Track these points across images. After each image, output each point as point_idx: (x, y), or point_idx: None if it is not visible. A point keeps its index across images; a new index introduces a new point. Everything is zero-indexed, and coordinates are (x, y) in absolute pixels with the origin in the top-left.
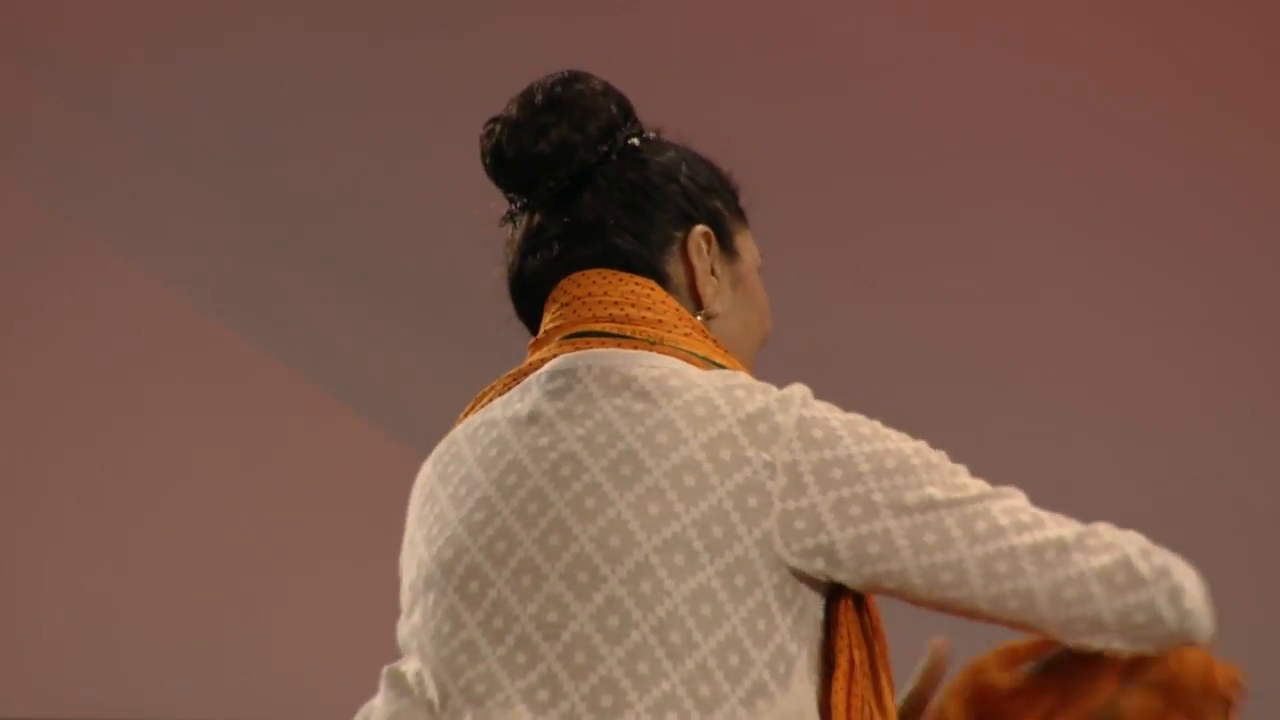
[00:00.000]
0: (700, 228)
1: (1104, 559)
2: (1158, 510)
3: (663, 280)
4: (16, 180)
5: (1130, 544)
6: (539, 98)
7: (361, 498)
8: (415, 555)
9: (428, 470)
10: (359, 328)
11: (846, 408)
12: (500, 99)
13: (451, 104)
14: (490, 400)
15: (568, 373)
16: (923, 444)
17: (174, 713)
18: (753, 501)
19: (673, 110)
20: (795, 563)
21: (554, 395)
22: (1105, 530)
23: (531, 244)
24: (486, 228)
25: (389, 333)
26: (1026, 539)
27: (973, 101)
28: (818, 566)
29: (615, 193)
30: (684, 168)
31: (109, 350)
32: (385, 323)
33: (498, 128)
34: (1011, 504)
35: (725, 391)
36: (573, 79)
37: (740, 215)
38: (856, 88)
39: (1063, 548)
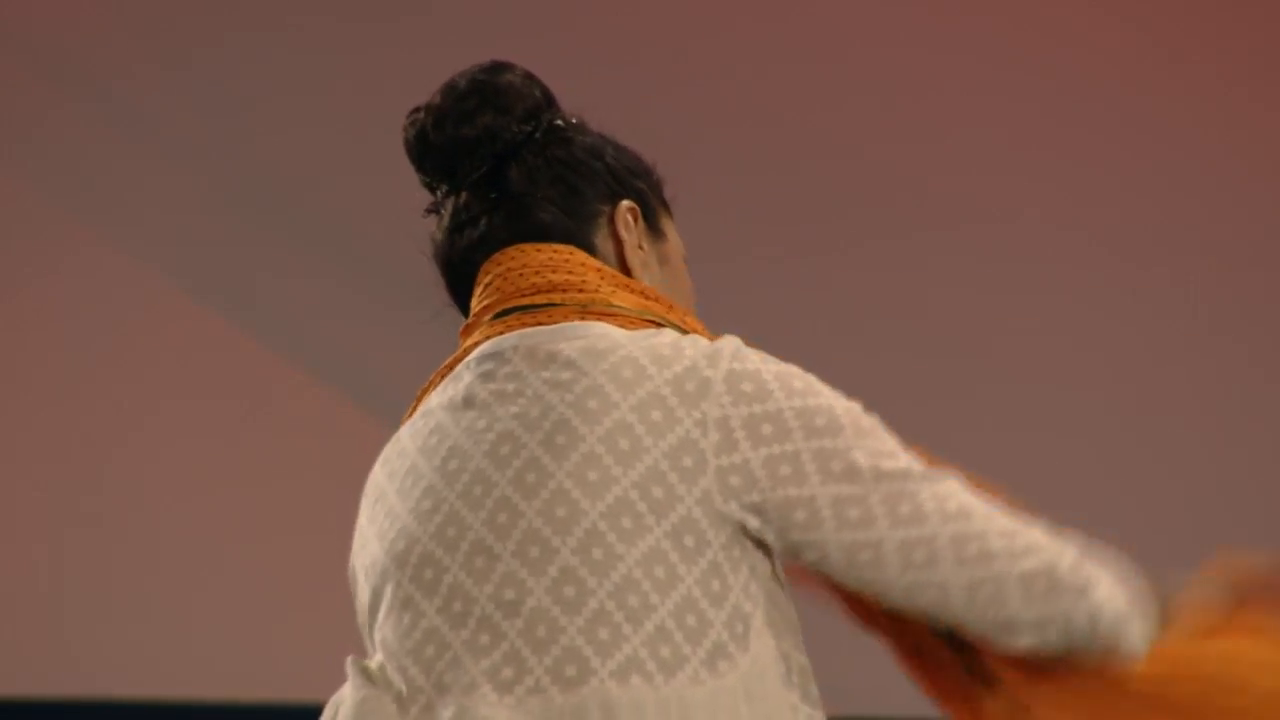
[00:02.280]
0: (626, 202)
1: (1028, 563)
2: (1133, 488)
3: (592, 251)
4: (2, 167)
5: (1062, 552)
6: (463, 85)
7: (340, 474)
8: (369, 554)
9: (376, 472)
10: (336, 308)
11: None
12: None
13: (424, 83)
14: (428, 395)
15: (496, 355)
16: (856, 405)
17: (163, 689)
18: (688, 461)
19: (642, 90)
20: (737, 519)
21: (485, 378)
22: (1039, 532)
23: (458, 224)
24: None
25: (366, 312)
26: (949, 529)
27: (955, 79)
28: (753, 525)
29: (541, 169)
30: (609, 149)
31: (88, 332)
32: (362, 301)
33: (421, 115)
34: (941, 489)
35: (650, 351)
36: (496, 68)
37: (665, 205)
38: (832, 65)
39: (986, 545)
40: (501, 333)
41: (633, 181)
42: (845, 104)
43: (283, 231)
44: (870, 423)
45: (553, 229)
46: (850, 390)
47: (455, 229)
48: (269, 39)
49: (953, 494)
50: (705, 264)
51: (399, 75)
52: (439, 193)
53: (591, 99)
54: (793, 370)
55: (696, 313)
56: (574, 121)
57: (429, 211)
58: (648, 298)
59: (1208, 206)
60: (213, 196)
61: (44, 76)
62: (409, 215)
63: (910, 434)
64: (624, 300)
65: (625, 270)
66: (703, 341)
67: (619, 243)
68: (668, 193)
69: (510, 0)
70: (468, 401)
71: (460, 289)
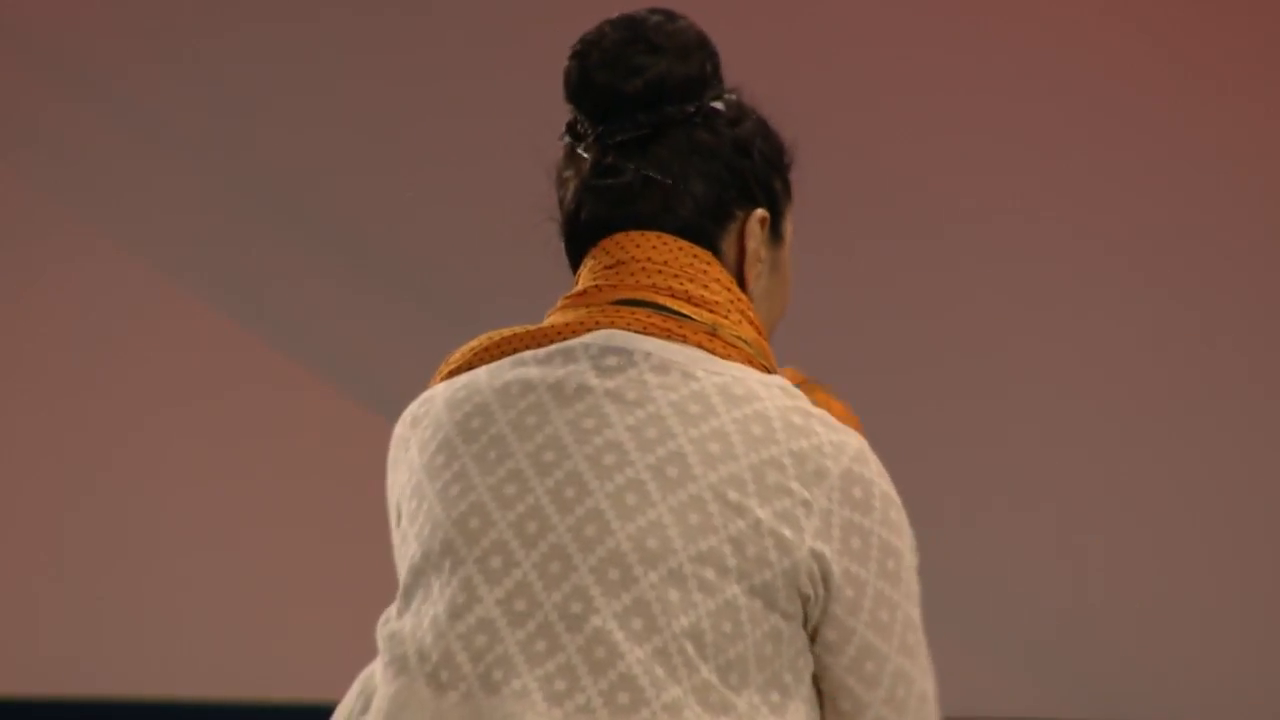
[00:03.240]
0: (760, 212)
1: None
2: (1136, 488)
3: (716, 254)
4: (5, 164)
5: None
6: (638, 30)
7: (346, 474)
8: (427, 509)
9: (440, 413)
10: (342, 307)
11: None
12: (478, 77)
13: (432, 82)
14: (514, 351)
15: (624, 353)
16: (914, 564)
17: (168, 690)
18: (788, 532)
19: None
20: (806, 602)
21: (605, 373)
22: None
23: (600, 184)
24: (471, 209)
25: (373, 312)
26: (928, 689)
27: (959, 80)
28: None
29: (692, 156)
30: (758, 142)
31: (93, 330)
32: (368, 301)
33: (592, 52)
34: (930, 689)
35: (783, 415)
36: (673, 20)
37: (790, 195)
38: (834, 64)
39: (929, 715)
40: (629, 325)
41: (772, 182)
42: (846, 104)
43: (290, 231)
44: (913, 589)
45: (690, 225)
46: (853, 390)
47: (598, 189)
48: (276, 38)
49: (931, 675)
50: None
51: (406, 74)
52: (586, 129)
53: None
54: (893, 499)
55: (785, 314)
56: (732, 100)
57: (571, 137)
58: (761, 334)
59: (1215, 207)
60: (220, 195)
61: (49, 75)
62: (417, 215)
63: (913, 434)
64: (746, 333)
65: (739, 277)
66: (831, 422)
67: (742, 251)
68: (795, 175)
69: (516, 1)
70: (579, 392)
71: (578, 245)
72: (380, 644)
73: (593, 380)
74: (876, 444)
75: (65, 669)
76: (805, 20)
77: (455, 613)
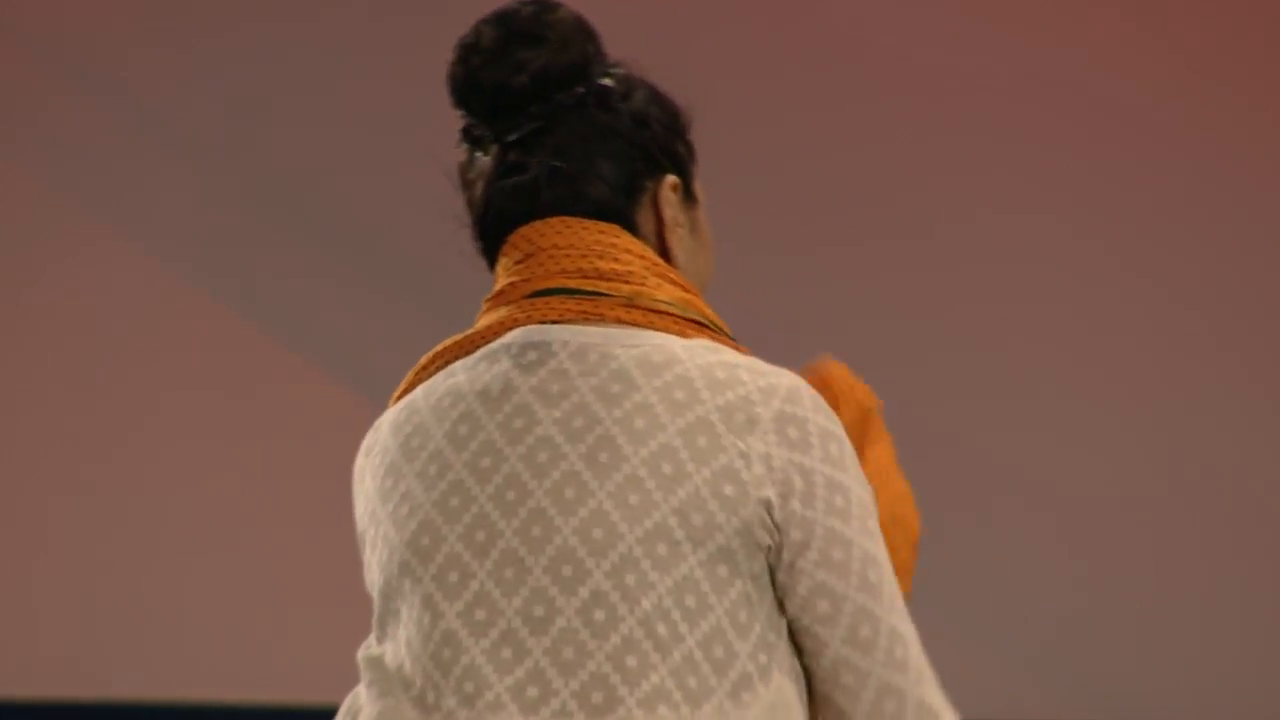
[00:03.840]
0: (671, 178)
1: (934, 702)
2: (1142, 490)
3: (634, 229)
4: (10, 159)
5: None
6: (514, 26)
7: (348, 470)
8: (383, 534)
9: (386, 438)
10: (347, 303)
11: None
12: None
13: (441, 81)
14: (447, 364)
15: (541, 345)
16: (870, 498)
17: (172, 692)
18: (730, 490)
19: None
20: (766, 552)
21: (527, 370)
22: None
23: (506, 182)
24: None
25: (376, 308)
26: (892, 622)
27: (961, 78)
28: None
29: (593, 138)
30: (654, 111)
31: (100, 326)
32: (372, 297)
33: (473, 55)
34: (903, 620)
35: (705, 372)
36: (546, 9)
37: (694, 155)
38: (837, 64)
39: (912, 659)
40: (545, 316)
41: (675, 146)
42: (850, 102)
43: (298, 228)
44: (874, 525)
45: (600, 205)
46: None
47: (502, 187)
48: (285, 36)
49: (907, 618)
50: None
51: (417, 73)
52: (480, 131)
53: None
54: (831, 432)
55: (714, 270)
56: (620, 74)
57: (469, 143)
58: (688, 291)
59: (1220, 208)
60: (227, 192)
61: (58, 72)
62: (425, 213)
63: (917, 432)
64: (668, 294)
65: (664, 249)
66: (760, 366)
67: (660, 221)
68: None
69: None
70: (505, 393)
71: (491, 244)
72: (362, 670)
73: (517, 379)
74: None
75: (66, 670)
76: (811, 21)
77: (424, 633)
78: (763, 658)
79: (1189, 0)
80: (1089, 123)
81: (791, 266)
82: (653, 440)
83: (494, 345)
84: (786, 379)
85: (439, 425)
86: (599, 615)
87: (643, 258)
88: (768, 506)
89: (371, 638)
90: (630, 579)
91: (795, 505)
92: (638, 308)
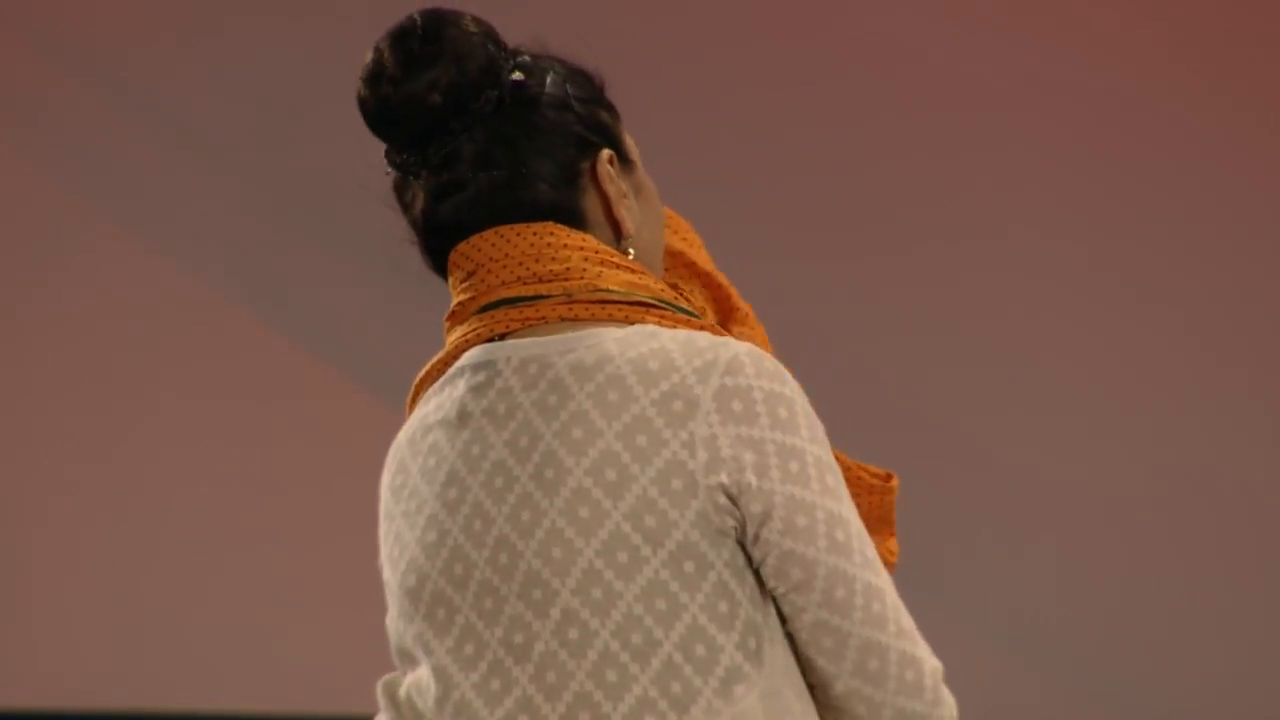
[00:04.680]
0: (605, 152)
1: (916, 652)
2: (1143, 498)
3: (579, 218)
4: (35, 164)
5: (937, 666)
6: (415, 47)
7: (373, 477)
8: (386, 577)
9: (384, 482)
10: (375, 312)
11: (840, 395)
12: None
13: None
14: (425, 392)
15: (488, 365)
16: (826, 456)
17: (183, 703)
18: (678, 484)
19: (671, 97)
20: (733, 534)
21: (477, 392)
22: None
23: (447, 202)
24: None
25: (404, 317)
26: (866, 578)
27: (973, 89)
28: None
29: (519, 138)
30: (570, 89)
31: (124, 333)
32: (401, 307)
33: (381, 83)
34: (877, 573)
35: (638, 367)
36: (442, 22)
37: (617, 115)
38: (854, 76)
39: (889, 612)
40: (493, 331)
41: (599, 117)
42: (865, 115)
43: (316, 231)
44: (834, 481)
45: (541, 205)
46: (867, 397)
47: (442, 200)
48: (316, 43)
49: (880, 570)
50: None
51: None
52: (405, 157)
53: (622, 106)
54: (782, 393)
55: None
56: (527, 63)
57: (400, 170)
58: (634, 272)
59: (1240, 222)
60: (248, 197)
61: (76, 72)
62: None
63: (926, 442)
64: (611, 281)
65: (615, 224)
66: (698, 343)
67: (605, 197)
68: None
69: (541, 7)
70: (461, 419)
71: (439, 260)
72: (379, 695)
73: (470, 404)
74: (889, 455)
75: (81, 676)
76: (833, 33)
77: (426, 671)
78: (752, 643)
79: (1209, 12)
80: (1109, 138)
81: (806, 277)
82: (592, 449)
83: (453, 369)
84: (725, 350)
85: (414, 460)
86: (573, 634)
87: (581, 249)
88: (722, 490)
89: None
90: (597, 592)
91: (750, 479)
92: (578, 302)
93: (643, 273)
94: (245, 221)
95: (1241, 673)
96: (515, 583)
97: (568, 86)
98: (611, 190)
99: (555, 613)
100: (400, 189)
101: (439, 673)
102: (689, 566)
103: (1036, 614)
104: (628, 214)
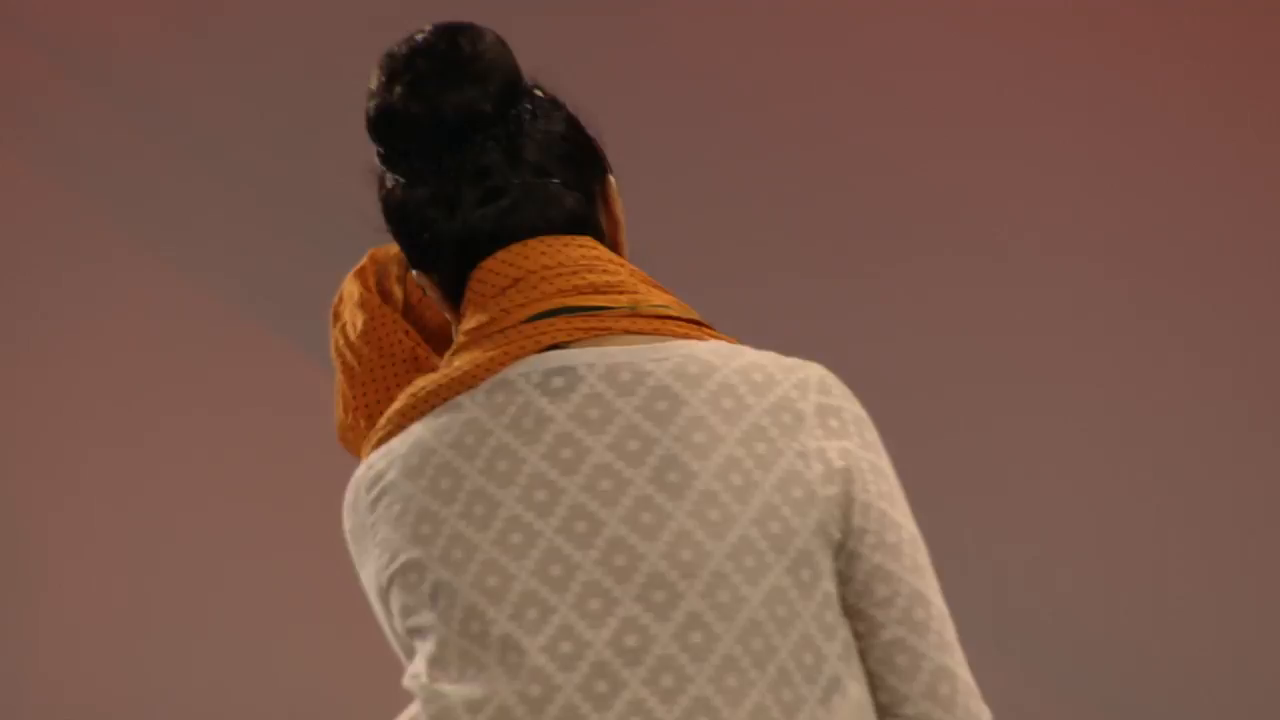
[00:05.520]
0: (610, 176)
1: (974, 686)
2: (1151, 510)
3: (600, 235)
4: (44, 173)
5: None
6: (456, 54)
7: None
8: (433, 581)
9: (402, 484)
10: None
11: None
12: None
13: None
14: (443, 402)
15: (566, 371)
16: (895, 475)
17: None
18: (797, 493)
19: (680, 108)
20: (836, 546)
21: (556, 396)
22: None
23: (485, 209)
24: None
25: None
26: (937, 608)
27: (981, 99)
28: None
29: (548, 150)
30: (569, 109)
31: (133, 345)
32: None
33: (428, 86)
34: (946, 610)
35: (744, 376)
36: (473, 35)
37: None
38: (864, 86)
39: (955, 642)
40: (554, 339)
41: (597, 141)
42: (894, 123)
43: (334, 247)
44: (906, 505)
45: (573, 218)
46: (887, 406)
47: (488, 204)
48: (331, 53)
49: (942, 597)
50: (746, 284)
51: None
52: (444, 163)
53: (635, 119)
54: (863, 417)
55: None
56: (536, 82)
57: (417, 184)
58: (669, 293)
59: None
60: (265, 210)
61: (102, 88)
62: None
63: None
64: (660, 299)
65: (615, 247)
66: (784, 360)
67: (613, 219)
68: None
69: (563, 20)
70: (540, 423)
71: (462, 271)
72: (428, 705)
73: (549, 408)
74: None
75: (94, 692)
76: (849, 46)
77: (509, 672)
78: (851, 655)
79: (1233, 29)
80: (1132, 154)
81: (818, 291)
82: (715, 453)
83: (504, 377)
84: (812, 370)
85: (468, 463)
86: (696, 637)
87: (623, 266)
88: (835, 501)
89: (422, 673)
90: (724, 596)
91: (856, 492)
92: (642, 315)
93: (665, 291)
94: (261, 234)
95: (1236, 674)
96: (634, 585)
97: (567, 106)
98: (619, 213)
99: (679, 615)
100: (403, 198)
101: (534, 673)
102: (805, 575)
103: (1033, 617)
104: (624, 239)
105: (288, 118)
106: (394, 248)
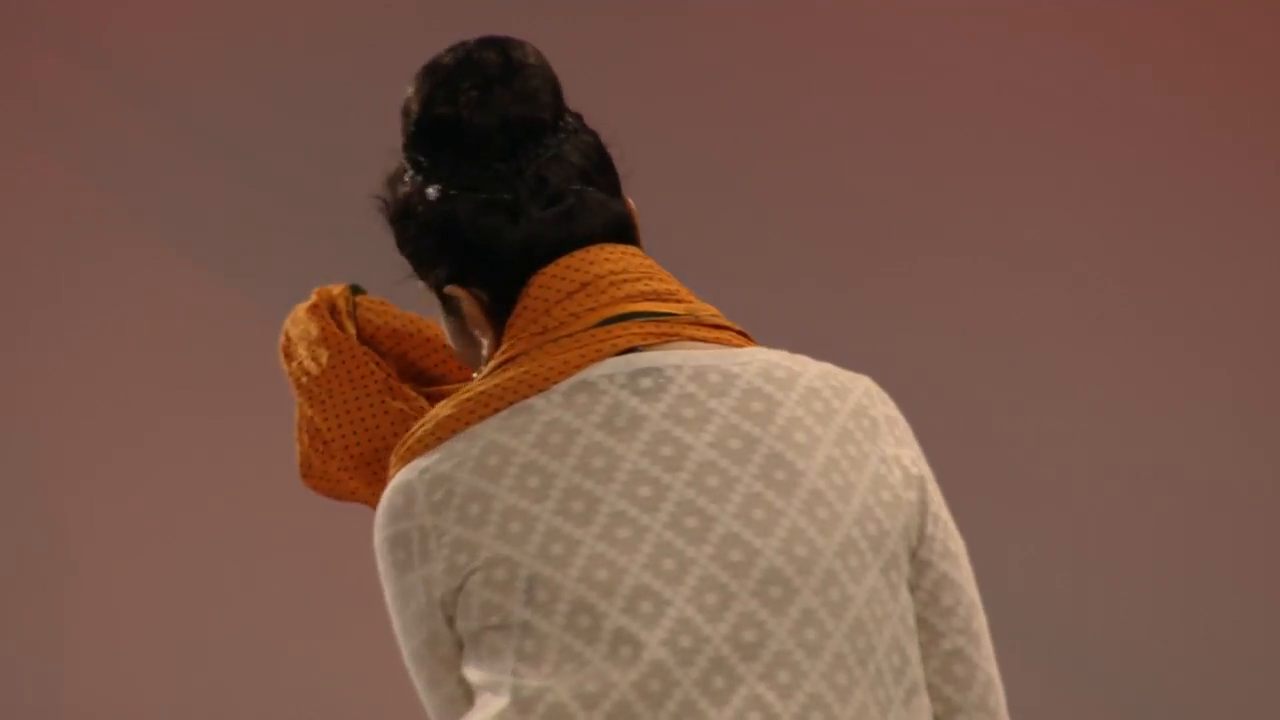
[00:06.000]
0: (630, 200)
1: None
2: (1145, 512)
3: (639, 245)
4: (66, 167)
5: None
6: (512, 55)
7: None
8: (527, 577)
9: (477, 483)
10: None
11: None
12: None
13: None
14: (508, 403)
15: (653, 372)
16: None
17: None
18: (886, 495)
19: (680, 115)
20: (913, 553)
21: (649, 396)
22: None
23: (546, 212)
24: None
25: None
26: (983, 620)
27: (978, 101)
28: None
29: (591, 161)
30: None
31: (166, 343)
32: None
33: (494, 86)
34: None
35: (825, 379)
36: (516, 47)
37: None
38: (909, 95)
39: (993, 657)
40: (630, 343)
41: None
42: (921, 134)
43: (357, 247)
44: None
45: (622, 227)
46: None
47: (541, 210)
48: (350, 48)
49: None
50: (766, 288)
51: None
52: (510, 163)
53: (655, 129)
54: (910, 429)
55: None
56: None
57: (475, 190)
58: (706, 304)
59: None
60: (291, 213)
61: (119, 83)
62: None
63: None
64: (707, 308)
65: None
66: (846, 371)
67: (637, 240)
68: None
69: (579, 21)
70: (635, 422)
71: (519, 274)
72: (516, 702)
73: (642, 408)
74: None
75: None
76: (870, 42)
77: (622, 666)
78: (921, 659)
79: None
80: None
81: (828, 297)
82: (816, 453)
83: (583, 378)
84: (869, 381)
85: (558, 462)
86: (810, 634)
87: (672, 276)
88: (915, 507)
89: (508, 670)
90: (834, 594)
91: (928, 500)
92: (703, 324)
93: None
94: (292, 237)
95: (1245, 674)
96: (751, 580)
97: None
98: (638, 222)
99: (794, 611)
100: (443, 200)
101: (654, 667)
102: (894, 576)
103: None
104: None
105: (317, 122)
106: (337, 286)
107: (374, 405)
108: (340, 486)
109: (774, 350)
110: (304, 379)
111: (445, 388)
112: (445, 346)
